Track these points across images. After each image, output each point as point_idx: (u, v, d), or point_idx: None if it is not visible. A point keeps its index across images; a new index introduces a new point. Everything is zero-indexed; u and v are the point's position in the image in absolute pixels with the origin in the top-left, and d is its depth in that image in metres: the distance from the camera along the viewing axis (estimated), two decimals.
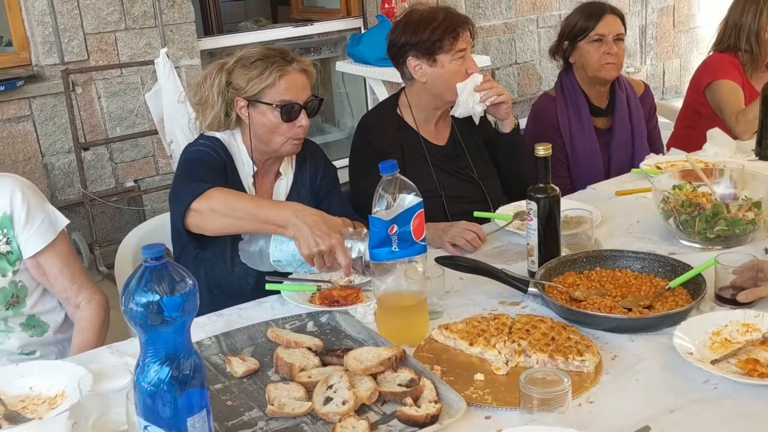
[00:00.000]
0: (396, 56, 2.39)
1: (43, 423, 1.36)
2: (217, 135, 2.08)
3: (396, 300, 1.59)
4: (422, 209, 1.55)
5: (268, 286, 1.84)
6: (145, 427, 1.15)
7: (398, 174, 1.53)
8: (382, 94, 4.76)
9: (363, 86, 5.39)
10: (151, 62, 4.04)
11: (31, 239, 1.85)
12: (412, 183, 1.55)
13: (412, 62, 2.34)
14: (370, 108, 5.49)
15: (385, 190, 1.53)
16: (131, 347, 1.68)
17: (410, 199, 1.53)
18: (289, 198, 2.14)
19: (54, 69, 4.05)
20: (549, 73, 6.17)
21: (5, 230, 1.83)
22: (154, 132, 4.34)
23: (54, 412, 1.39)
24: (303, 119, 2.02)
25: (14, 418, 1.42)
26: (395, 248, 1.53)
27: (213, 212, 1.83)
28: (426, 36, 2.29)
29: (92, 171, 4.29)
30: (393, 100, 2.47)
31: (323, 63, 5.60)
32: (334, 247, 1.70)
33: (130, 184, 4.48)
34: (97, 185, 4.32)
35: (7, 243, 1.83)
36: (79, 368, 1.52)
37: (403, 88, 2.46)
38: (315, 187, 2.20)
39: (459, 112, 2.29)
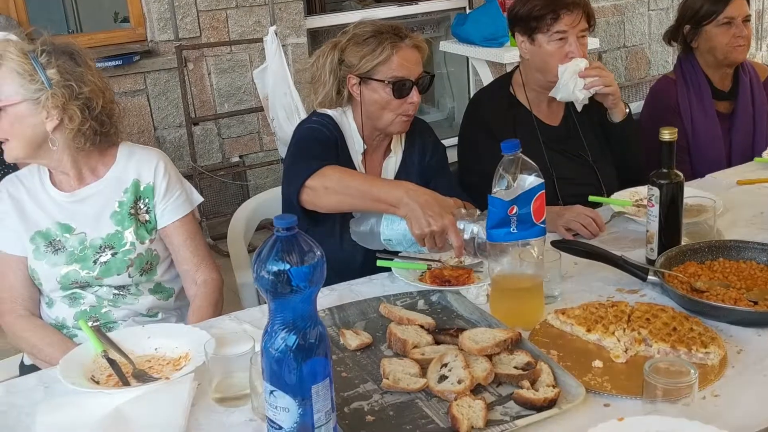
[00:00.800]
0: (510, 28, 2.37)
1: (171, 382, 1.41)
2: (329, 112, 2.10)
3: (512, 282, 1.57)
4: (543, 191, 1.52)
5: (379, 263, 1.86)
6: (271, 392, 1.18)
7: (520, 154, 1.51)
8: (486, 75, 4.70)
9: (465, 67, 5.34)
10: (260, 40, 4.12)
11: (167, 210, 1.92)
12: (533, 163, 1.52)
13: (518, 38, 2.31)
14: (472, 89, 5.45)
15: (505, 170, 1.51)
16: (248, 315, 1.73)
17: (531, 180, 1.50)
18: (398, 177, 2.13)
19: (168, 45, 4.18)
20: (658, 57, 5.96)
21: (146, 200, 1.90)
22: (260, 109, 4.44)
23: (179, 373, 1.45)
24: (414, 96, 2.01)
25: (142, 376, 1.48)
26: (514, 229, 1.51)
27: (326, 190, 1.86)
28: (526, 13, 2.25)
29: (201, 145, 4.42)
30: (507, 78, 2.43)
31: (426, 42, 5.57)
32: (446, 228, 1.70)
33: (235, 159, 4.60)
34: (204, 159, 4.45)
35: (147, 212, 1.91)
36: (201, 332, 1.57)
37: (518, 65, 2.42)
38: (424, 165, 2.19)
39: (559, 95, 2.23)
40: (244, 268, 2.27)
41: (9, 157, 1.83)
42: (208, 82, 4.37)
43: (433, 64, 5.65)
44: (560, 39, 2.21)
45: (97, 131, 1.82)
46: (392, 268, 1.83)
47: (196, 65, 4.30)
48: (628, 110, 2.32)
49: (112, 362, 1.51)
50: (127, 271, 1.87)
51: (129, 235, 1.88)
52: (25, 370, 1.94)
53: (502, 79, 2.48)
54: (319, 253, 1.16)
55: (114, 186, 1.90)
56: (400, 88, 1.99)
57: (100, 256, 1.86)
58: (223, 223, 4.16)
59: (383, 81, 1.99)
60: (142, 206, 1.91)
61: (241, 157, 4.62)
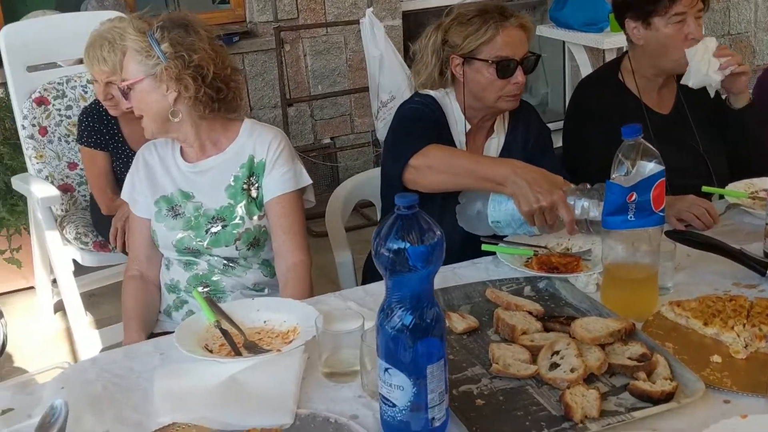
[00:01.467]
0: (617, 17, 2.30)
1: (283, 354, 1.43)
2: (431, 93, 2.09)
3: (625, 271, 1.53)
4: (663, 178, 1.47)
5: (484, 247, 1.84)
6: (386, 370, 1.18)
7: (641, 139, 1.46)
8: (583, 61, 4.60)
9: (561, 52, 5.23)
10: (356, 22, 4.13)
11: (271, 184, 1.94)
12: (655, 150, 1.47)
13: (630, 24, 2.24)
14: (567, 75, 5.34)
15: (625, 156, 1.47)
16: (353, 294, 1.74)
17: (651, 167, 1.46)
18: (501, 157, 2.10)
19: (266, 26, 4.24)
20: (764, 46, 5.69)
21: (257, 176, 1.94)
22: (353, 91, 4.47)
23: (290, 346, 1.47)
24: (519, 75, 1.97)
25: (253, 347, 1.51)
26: (631, 217, 1.47)
27: (430, 168, 1.85)
28: None
29: (294, 126, 4.48)
30: (615, 64, 2.37)
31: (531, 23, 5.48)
32: (556, 204, 1.66)
33: (326, 141, 4.64)
34: (297, 140, 4.50)
35: (257, 188, 1.94)
36: (309, 308, 1.59)
37: (626, 51, 2.35)
38: (528, 148, 2.15)
39: (692, 81, 2.14)
40: (342, 248, 2.28)
41: (147, 134, 1.92)
42: (303, 63, 4.42)
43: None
44: (679, 21, 2.13)
45: (214, 98, 1.85)
46: (497, 253, 1.81)
47: (292, 47, 4.35)
48: (751, 98, 2.22)
49: (224, 332, 1.54)
50: (234, 244, 1.91)
51: (240, 210, 1.92)
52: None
53: (609, 65, 2.41)
54: (438, 233, 1.16)
55: (232, 160, 1.94)
56: (504, 68, 1.96)
57: (212, 226, 1.92)
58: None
59: (487, 61, 1.96)
60: (253, 181, 1.94)
61: (332, 138, 4.66)
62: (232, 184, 1.93)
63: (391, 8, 4.50)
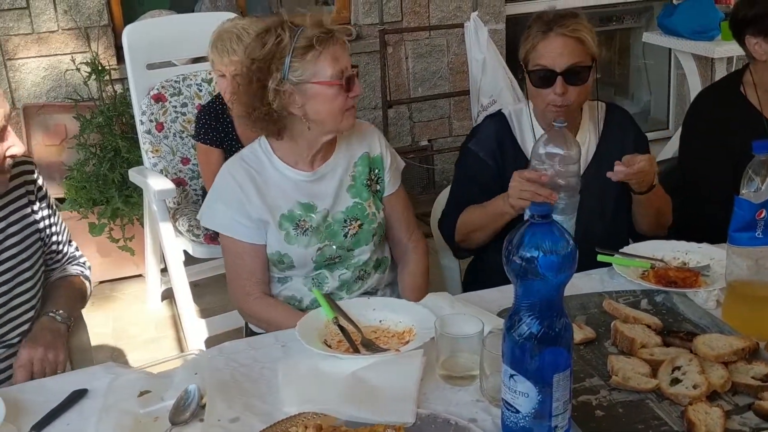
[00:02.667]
0: (735, 32, 2.24)
1: (402, 355, 1.47)
2: (504, 111, 2.15)
3: (750, 289, 1.50)
4: None
5: (600, 258, 1.83)
6: (511, 376, 1.20)
7: None
8: (691, 69, 4.48)
9: (667, 59, 5.11)
10: (459, 25, 4.15)
11: (391, 180, 2.00)
12: None
13: (750, 40, 2.18)
14: (672, 83, 5.21)
15: (755, 172, 1.44)
16: (467, 298, 1.76)
17: None
18: (590, 166, 2.07)
19: (371, 29, 4.30)
20: None
21: (377, 170, 1.97)
22: (452, 94, 4.49)
23: (408, 346, 1.50)
24: (558, 86, 1.94)
25: (370, 345, 1.55)
26: (759, 234, 1.44)
27: (468, 235, 2.10)
28: (761, 12, 2.11)
29: (393, 128, 4.53)
30: (736, 77, 2.31)
31: (623, 33, 5.39)
32: (514, 177, 1.86)
33: (424, 143, 4.68)
34: (395, 142, 4.55)
35: (378, 182, 1.98)
36: (425, 310, 1.62)
37: (747, 64, 2.29)
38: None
39: None
40: (447, 250, 2.31)
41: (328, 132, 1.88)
42: (405, 66, 4.47)
43: (631, 56, 5.46)
44: None
45: None
46: (613, 264, 1.80)
47: (395, 49, 4.40)
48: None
49: (342, 329, 1.59)
50: (372, 240, 1.94)
51: (369, 206, 1.94)
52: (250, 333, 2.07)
53: (731, 78, 2.36)
54: (571, 243, 1.17)
55: (345, 160, 1.94)
56: (540, 78, 1.96)
57: (349, 229, 1.91)
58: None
59: (530, 70, 1.99)
60: (374, 177, 1.97)
61: (429, 141, 4.69)
62: (352, 183, 1.94)
63: (495, 12, 4.50)
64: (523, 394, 1.19)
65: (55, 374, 1.66)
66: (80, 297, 1.93)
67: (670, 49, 4.85)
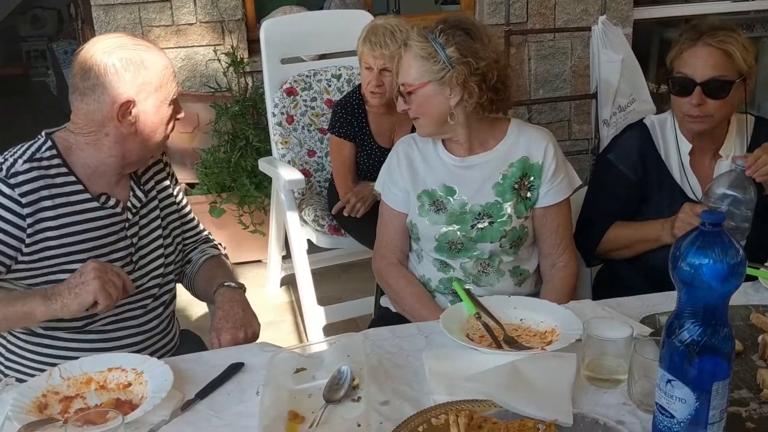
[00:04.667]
0: None
1: (553, 355, 1.49)
2: (646, 121, 2.13)
3: None
4: None
5: (749, 271, 1.79)
6: (668, 381, 1.21)
7: None
8: None
9: None
10: (585, 28, 4.11)
11: (551, 193, 1.98)
12: None
13: None
14: None
15: None
16: (607, 303, 1.76)
17: None
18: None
19: (496, 29, 4.31)
20: None
21: (532, 178, 1.97)
22: (575, 98, 4.44)
23: (552, 347, 1.53)
24: (695, 97, 1.94)
25: (512, 342, 1.58)
26: None
27: (614, 252, 2.14)
28: None
29: None
30: None
31: (753, 41, 5.19)
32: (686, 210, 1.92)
33: None
34: None
35: (530, 189, 1.97)
36: (567, 311, 1.64)
37: None
38: None
39: None
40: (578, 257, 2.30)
41: (421, 134, 1.98)
42: (527, 67, 4.45)
43: (759, 66, 5.25)
44: None
45: (494, 100, 1.90)
46: (759, 278, 1.77)
47: (518, 50, 4.40)
48: None
49: (485, 325, 1.63)
50: (499, 240, 1.95)
51: (508, 208, 1.95)
52: (382, 310, 2.16)
53: None
54: (741, 253, 1.16)
55: (501, 159, 1.97)
56: (678, 85, 1.97)
57: (478, 222, 1.95)
58: None
59: (671, 76, 1.99)
60: (526, 183, 1.96)
61: None
62: (501, 182, 1.96)
63: (623, 16, 4.42)
64: (681, 400, 1.20)
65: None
66: (232, 273, 2.04)
67: None
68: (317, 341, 1.72)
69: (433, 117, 1.92)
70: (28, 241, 1.67)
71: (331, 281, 3.70)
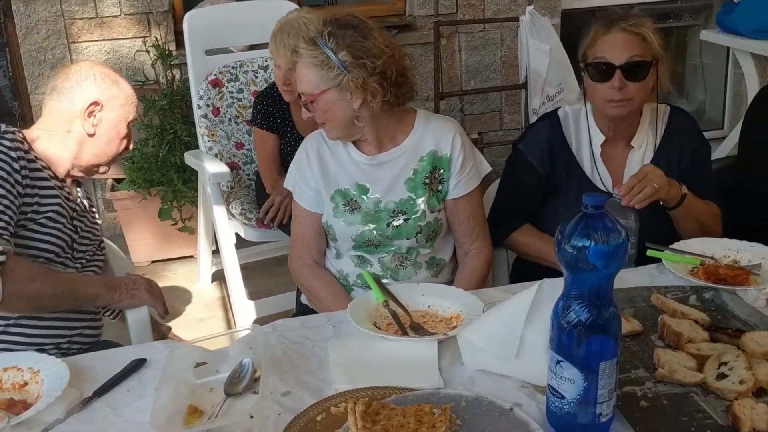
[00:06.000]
0: None
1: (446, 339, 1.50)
2: (559, 112, 2.15)
3: None
4: None
5: (650, 253, 1.84)
6: (558, 362, 1.22)
7: None
8: (749, 69, 4.39)
9: (725, 58, 5.03)
10: (514, 19, 4.14)
11: (460, 184, 1.98)
12: None
13: None
14: (729, 83, 5.13)
15: None
16: (515, 289, 1.77)
17: None
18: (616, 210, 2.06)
19: (425, 20, 4.32)
20: None
21: (442, 170, 1.96)
22: (505, 88, 4.48)
23: (454, 331, 1.54)
24: (617, 80, 1.96)
25: (418, 329, 1.59)
26: None
27: (522, 253, 2.19)
28: None
29: None
30: None
31: (680, 31, 5.31)
32: None
33: (474, 135, 4.68)
34: None
35: (440, 182, 1.97)
36: (473, 297, 1.66)
37: None
38: (682, 164, 2.10)
39: None
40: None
41: (330, 138, 1.96)
42: (458, 58, 4.47)
43: (687, 54, 5.38)
44: None
45: (398, 94, 1.87)
46: (663, 260, 1.81)
47: (449, 41, 4.41)
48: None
49: (392, 312, 1.63)
50: (415, 236, 1.94)
51: (422, 203, 1.94)
52: (302, 307, 2.14)
53: None
54: (623, 234, 1.18)
55: (410, 154, 1.96)
56: (598, 71, 1.98)
57: (393, 219, 1.94)
58: None
59: (588, 64, 2.01)
60: (437, 176, 1.96)
61: (480, 134, 4.70)
62: (412, 177, 1.95)
63: (551, 6, 4.47)
64: (570, 381, 1.21)
65: None
66: None
67: (728, 48, 4.76)
68: (217, 334, 1.69)
69: (339, 122, 1.89)
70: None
71: (264, 275, 3.67)
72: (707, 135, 2.31)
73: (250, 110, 3.26)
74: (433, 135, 1.97)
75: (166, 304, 2.01)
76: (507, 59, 4.52)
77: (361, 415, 1.27)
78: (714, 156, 2.96)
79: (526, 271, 2.21)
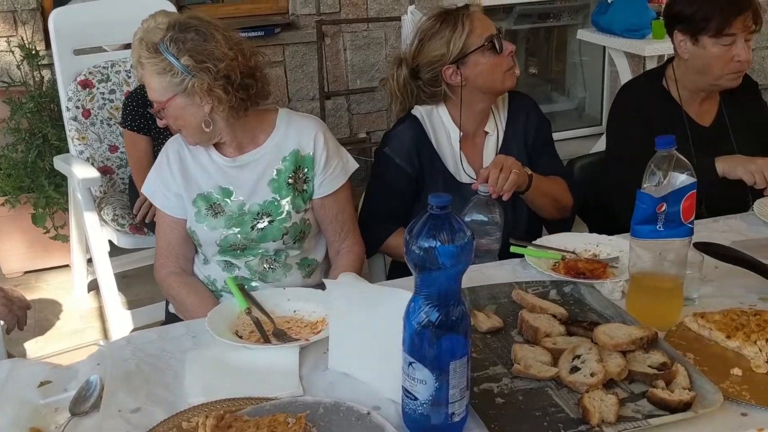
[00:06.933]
0: (666, 26, 2.30)
1: (308, 345, 1.48)
2: (415, 113, 2.16)
3: (651, 281, 1.54)
4: (695, 190, 1.48)
5: (513, 249, 1.86)
6: (410, 364, 1.21)
7: (674, 151, 1.47)
8: (623, 67, 4.57)
9: (602, 57, 5.21)
10: (397, 18, 4.17)
11: (325, 182, 1.95)
12: (687, 161, 1.48)
13: (678, 36, 2.24)
14: (606, 80, 5.32)
15: (657, 167, 1.48)
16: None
17: (683, 179, 1.47)
18: (499, 154, 2.13)
19: (308, 19, 4.29)
20: None
21: (306, 170, 1.93)
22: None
23: (317, 336, 1.51)
24: (508, 45, 2.06)
25: (281, 335, 1.55)
26: (660, 227, 1.48)
27: (396, 257, 2.20)
28: (694, 13, 2.17)
29: (330, 119, 4.52)
30: (659, 71, 2.37)
31: (561, 30, 5.48)
32: None
33: (362, 135, 4.68)
34: (333, 133, 4.51)
35: (305, 182, 1.94)
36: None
37: (672, 59, 2.34)
38: (528, 144, 2.20)
39: None
40: None
41: (189, 143, 1.91)
42: (343, 57, 4.46)
43: (567, 53, 5.55)
44: (728, 43, 2.13)
45: (246, 97, 1.83)
46: (525, 255, 1.84)
47: (333, 40, 4.39)
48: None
49: (255, 320, 1.59)
50: (282, 238, 1.91)
51: (286, 204, 1.91)
52: (170, 316, 2.07)
53: (654, 72, 2.42)
54: (469, 233, 1.19)
55: (273, 154, 1.92)
56: (494, 46, 2.04)
57: (258, 222, 1.90)
58: None
59: (481, 47, 2.04)
60: (301, 176, 1.92)
61: (368, 133, 4.70)
62: (275, 177, 1.91)
63: (432, 6, 4.51)
64: (421, 382, 1.21)
65: None
66: None
67: (604, 47, 4.94)
68: (66, 350, 1.61)
69: (193, 128, 1.85)
70: None
71: (145, 282, 3.54)
72: (587, 131, 2.39)
73: None
74: (296, 134, 1.94)
75: (32, 316, 1.89)
76: (392, 58, 4.53)
77: (212, 429, 1.22)
78: (592, 150, 3.06)
79: (405, 271, 2.21)
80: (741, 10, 2.11)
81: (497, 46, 2.04)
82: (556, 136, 2.34)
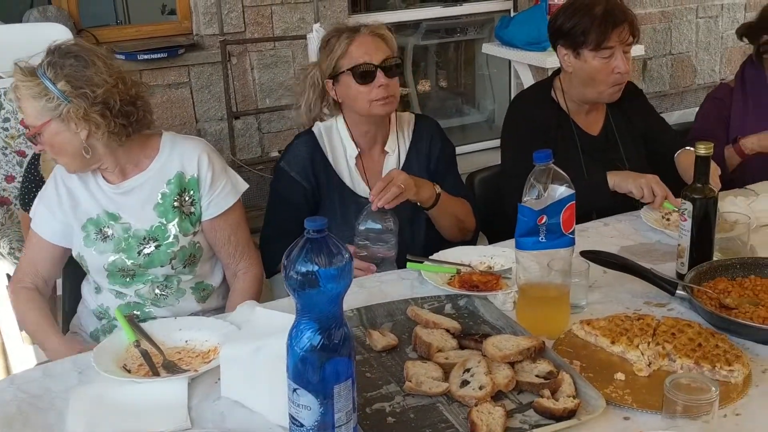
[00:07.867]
0: (551, 41, 2.37)
1: (198, 375, 1.45)
2: (314, 129, 2.16)
3: (539, 291, 1.58)
4: (573, 201, 1.53)
5: (409, 266, 1.88)
6: (294, 390, 1.20)
7: (552, 164, 1.52)
8: (527, 79, 4.68)
9: (508, 70, 5.32)
10: (303, 37, 4.17)
11: (213, 203, 1.93)
12: (565, 174, 1.53)
13: (561, 51, 2.31)
14: (513, 92, 5.43)
15: (537, 180, 1.52)
16: (277, 305, 1.75)
17: (562, 191, 1.51)
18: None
19: (213, 39, 4.24)
20: (705, 65, 5.86)
21: (191, 192, 1.91)
22: (300, 106, 4.48)
23: (207, 366, 1.48)
24: (381, 78, 2.04)
25: (172, 367, 1.52)
26: (542, 239, 1.52)
27: None
28: (574, 27, 2.24)
29: (241, 139, 4.48)
30: (548, 83, 2.44)
31: (468, 44, 5.58)
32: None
33: (274, 154, 4.64)
34: (244, 153, 4.50)
35: (192, 204, 1.92)
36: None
37: (560, 70, 2.41)
38: (430, 167, 2.23)
39: None
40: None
41: (69, 171, 1.89)
42: (251, 76, 4.42)
43: (475, 66, 5.66)
44: (607, 56, 2.21)
45: (126, 124, 1.81)
46: (421, 271, 1.85)
47: (239, 60, 4.35)
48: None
49: (143, 352, 1.55)
50: (170, 263, 1.88)
51: (172, 228, 1.89)
52: None
53: (543, 83, 2.49)
54: (347, 255, 1.19)
55: (157, 178, 1.90)
56: (363, 74, 2.04)
57: (144, 247, 1.88)
58: (260, 216, 4.20)
59: (347, 71, 2.05)
60: (186, 198, 1.91)
61: (279, 152, 4.66)
62: (161, 201, 1.90)
63: (337, 23, 4.53)
64: (306, 408, 1.20)
65: None
66: None
67: (509, 60, 5.05)
68: None
69: (70, 155, 1.82)
70: None
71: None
72: (496, 143, 2.44)
73: (20, 140, 3.05)
74: (179, 157, 1.93)
75: None
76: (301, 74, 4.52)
77: None
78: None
79: None
80: (617, 23, 2.19)
81: (365, 76, 2.03)
82: (468, 148, 2.41)
